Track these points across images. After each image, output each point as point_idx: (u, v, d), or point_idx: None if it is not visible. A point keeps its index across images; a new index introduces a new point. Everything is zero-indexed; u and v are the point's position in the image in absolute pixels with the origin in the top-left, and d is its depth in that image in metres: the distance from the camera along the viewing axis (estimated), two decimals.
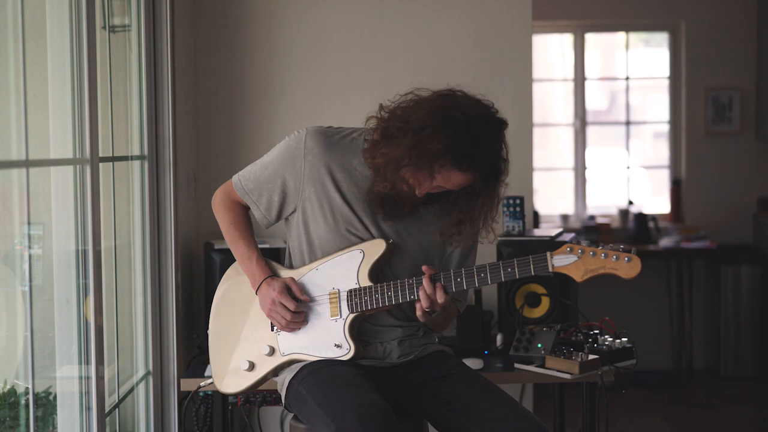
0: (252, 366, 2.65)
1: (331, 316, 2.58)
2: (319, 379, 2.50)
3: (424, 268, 2.49)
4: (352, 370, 2.52)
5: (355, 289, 2.55)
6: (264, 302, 2.60)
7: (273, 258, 2.76)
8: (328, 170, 2.56)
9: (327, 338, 2.57)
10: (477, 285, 2.46)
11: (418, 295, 2.49)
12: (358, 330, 2.60)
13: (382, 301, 2.52)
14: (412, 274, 2.55)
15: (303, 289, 2.60)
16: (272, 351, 2.63)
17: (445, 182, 2.43)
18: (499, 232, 2.54)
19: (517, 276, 2.43)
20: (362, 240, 2.57)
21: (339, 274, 2.57)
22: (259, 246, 2.73)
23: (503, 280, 2.44)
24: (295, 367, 2.61)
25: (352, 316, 2.56)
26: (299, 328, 2.60)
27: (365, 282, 2.54)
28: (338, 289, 2.57)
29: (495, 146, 2.42)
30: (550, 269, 2.39)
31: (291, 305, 2.55)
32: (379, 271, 2.57)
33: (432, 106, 2.41)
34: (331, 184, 2.56)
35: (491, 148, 2.40)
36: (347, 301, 2.56)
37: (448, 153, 2.36)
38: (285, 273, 2.65)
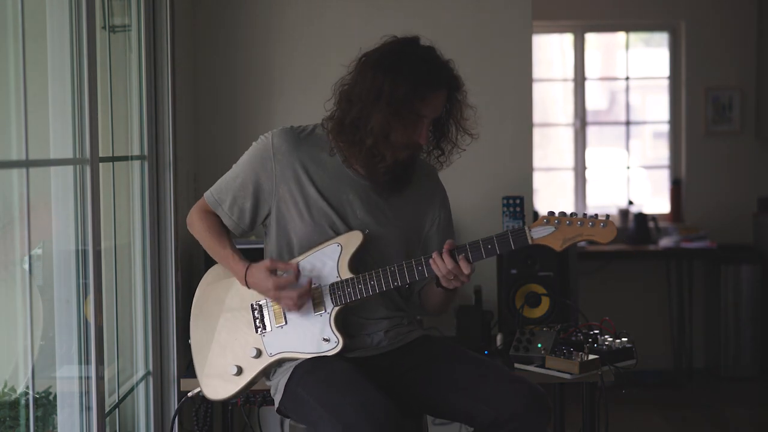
0: (240, 370, 2.64)
1: (316, 311, 2.58)
2: (317, 378, 2.50)
3: (448, 243, 2.49)
4: (348, 366, 2.52)
5: (337, 283, 2.56)
6: (266, 293, 2.58)
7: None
8: (301, 166, 2.59)
9: (314, 333, 2.58)
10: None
11: (404, 281, 2.51)
12: (344, 324, 2.60)
13: (366, 291, 2.54)
14: (394, 260, 2.57)
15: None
16: (259, 353, 2.62)
17: (432, 110, 2.52)
18: (476, 138, 2.64)
19: (498, 251, 2.48)
20: (340, 233, 2.58)
21: (319, 269, 2.58)
22: (251, 246, 2.73)
23: (485, 257, 2.49)
24: (287, 369, 2.60)
25: (336, 308, 2.57)
26: (309, 295, 2.56)
27: (346, 274, 2.56)
28: (320, 284, 2.58)
29: (435, 55, 2.54)
30: (530, 241, 2.46)
31: (291, 282, 2.52)
32: (359, 262, 2.58)
33: (368, 69, 2.51)
34: (305, 180, 2.58)
35: (437, 58, 2.53)
36: (330, 295, 2.57)
37: (419, 84, 2.46)
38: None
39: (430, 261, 2.49)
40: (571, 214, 2.46)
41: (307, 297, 2.57)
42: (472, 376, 2.53)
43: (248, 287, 2.62)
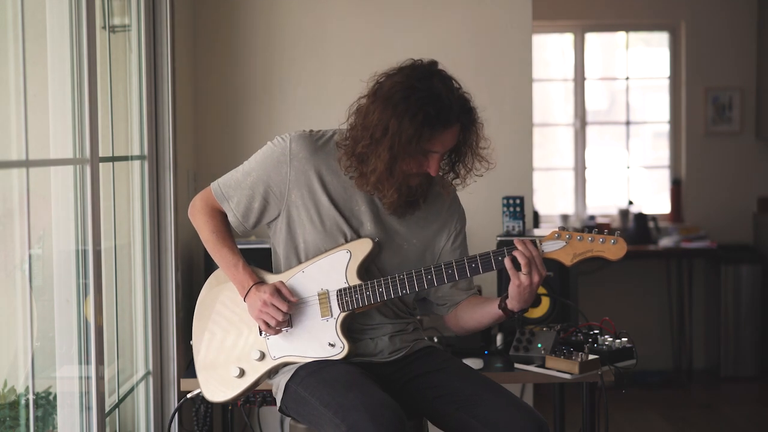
0: (242, 372, 2.63)
1: (322, 316, 2.57)
2: (320, 379, 2.49)
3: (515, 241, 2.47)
4: (351, 368, 2.51)
5: (344, 288, 2.55)
6: (254, 306, 2.58)
7: (266, 257, 2.74)
8: (316, 173, 2.57)
9: (319, 338, 2.57)
10: (469, 275, 2.50)
11: (413, 290, 2.50)
12: (348, 329, 2.59)
13: (374, 298, 2.53)
14: (400, 270, 2.56)
15: (292, 291, 2.60)
16: (262, 356, 2.62)
17: (442, 147, 2.48)
18: (492, 167, 2.60)
19: None
20: (349, 241, 2.58)
21: (327, 274, 2.57)
22: (257, 246, 2.72)
23: (495, 269, 2.50)
24: (290, 370, 2.60)
25: (343, 314, 2.56)
26: (286, 330, 2.59)
27: (354, 281, 2.55)
28: (327, 290, 2.57)
29: (450, 88, 2.48)
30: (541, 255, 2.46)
31: (283, 306, 2.54)
32: (366, 270, 2.57)
33: (378, 102, 2.46)
34: (319, 188, 2.57)
35: (450, 92, 2.46)
36: (338, 301, 2.56)
37: (426, 125, 2.41)
38: (271, 277, 2.64)
39: (518, 246, 2.45)
40: (582, 229, 2.47)
41: (283, 326, 2.57)
42: (480, 397, 2.50)
43: (245, 299, 2.61)
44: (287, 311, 2.55)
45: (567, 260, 2.46)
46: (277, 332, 2.59)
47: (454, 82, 2.51)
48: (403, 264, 2.61)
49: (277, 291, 2.56)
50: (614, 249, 2.43)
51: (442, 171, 2.60)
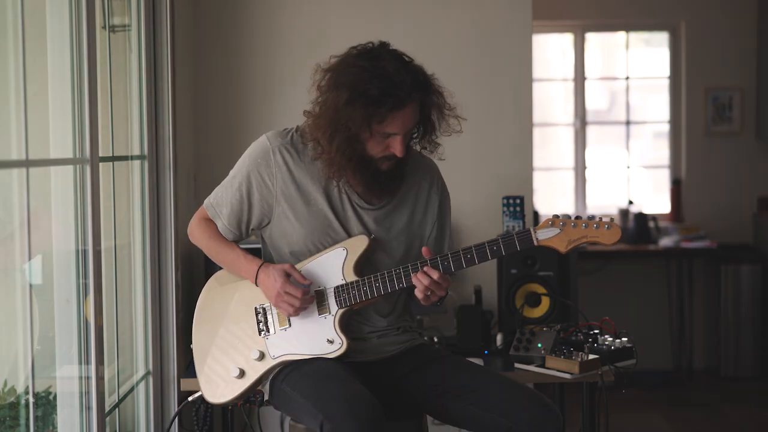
0: (242, 373, 2.63)
1: (320, 314, 2.58)
2: (302, 373, 2.51)
3: (423, 250, 2.50)
4: (332, 363, 2.53)
5: (341, 285, 2.56)
6: (269, 292, 2.58)
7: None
8: (302, 173, 2.57)
9: (318, 336, 2.57)
10: (465, 266, 2.49)
11: (409, 283, 2.50)
12: (346, 327, 2.60)
13: (371, 293, 2.53)
14: (389, 265, 2.57)
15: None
16: (262, 356, 2.62)
17: (402, 128, 2.46)
18: (456, 129, 2.56)
19: (504, 252, 2.48)
20: (339, 241, 2.58)
21: (323, 272, 2.57)
22: (251, 246, 2.72)
23: (490, 258, 2.49)
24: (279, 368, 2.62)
25: (341, 311, 2.56)
26: (307, 309, 2.58)
27: (351, 277, 2.55)
28: (324, 287, 2.57)
29: (400, 67, 2.44)
30: (535, 243, 2.47)
31: (297, 293, 2.53)
32: (362, 267, 2.57)
33: (324, 92, 2.48)
34: (305, 187, 2.57)
35: (400, 72, 2.43)
36: (335, 297, 2.56)
37: (377, 109, 2.40)
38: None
39: (412, 276, 2.49)
40: (576, 216, 2.48)
41: (307, 304, 2.57)
42: (481, 383, 2.52)
43: (257, 284, 2.62)
44: (302, 296, 2.54)
45: (562, 247, 2.46)
46: (300, 311, 2.57)
47: (405, 57, 2.48)
48: (394, 259, 2.61)
49: (288, 277, 2.56)
50: (608, 234, 2.45)
51: (420, 147, 2.59)
